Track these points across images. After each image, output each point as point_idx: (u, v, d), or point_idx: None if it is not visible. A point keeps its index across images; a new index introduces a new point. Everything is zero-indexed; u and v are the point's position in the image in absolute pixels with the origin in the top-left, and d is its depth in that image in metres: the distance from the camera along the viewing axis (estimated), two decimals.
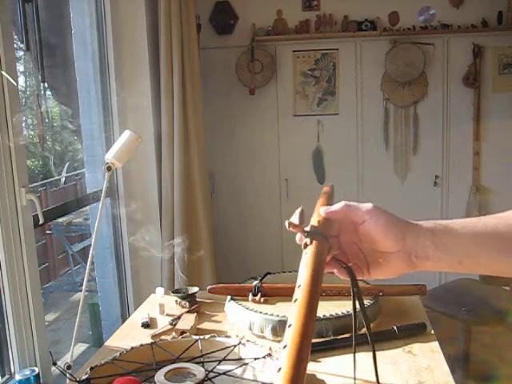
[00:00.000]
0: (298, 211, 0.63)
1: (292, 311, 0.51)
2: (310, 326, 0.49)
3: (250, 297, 1.51)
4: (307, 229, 0.61)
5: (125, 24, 2.65)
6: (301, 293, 0.53)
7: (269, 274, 1.65)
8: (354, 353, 0.62)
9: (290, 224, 0.61)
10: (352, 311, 0.62)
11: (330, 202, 0.69)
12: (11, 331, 1.76)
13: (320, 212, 0.64)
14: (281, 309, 1.43)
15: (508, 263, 0.62)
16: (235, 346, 1.24)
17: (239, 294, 1.54)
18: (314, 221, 0.63)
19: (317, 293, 0.53)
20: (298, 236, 0.62)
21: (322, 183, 3.54)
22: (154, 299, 1.68)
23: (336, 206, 0.64)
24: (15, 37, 1.99)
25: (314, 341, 1.31)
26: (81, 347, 3.41)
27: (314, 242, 0.59)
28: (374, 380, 1.18)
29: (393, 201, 3.30)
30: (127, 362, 1.19)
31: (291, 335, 0.48)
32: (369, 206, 0.63)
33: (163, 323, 1.52)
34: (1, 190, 1.72)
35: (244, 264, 3.54)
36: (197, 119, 2.79)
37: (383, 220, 0.61)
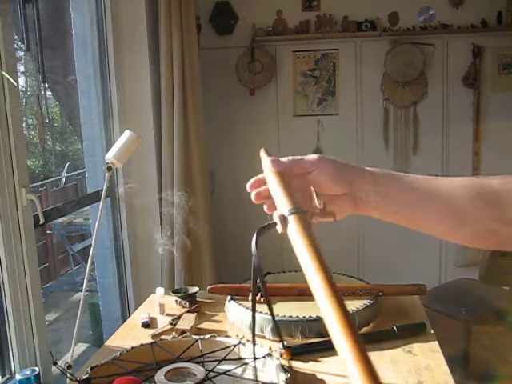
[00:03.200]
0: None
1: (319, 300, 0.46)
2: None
3: (250, 297, 1.51)
4: (287, 208, 0.59)
5: (125, 24, 2.65)
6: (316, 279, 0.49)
7: (269, 273, 1.66)
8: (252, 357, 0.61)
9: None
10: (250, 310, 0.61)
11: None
12: (12, 331, 1.76)
13: (269, 165, 0.66)
14: (281, 309, 1.43)
15: (443, 226, 0.65)
16: (235, 345, 1.25)
17: (239, 294, 1.54)
18: (271, 178, 0.64)
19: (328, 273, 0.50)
20: (266, 207, 0.66)
21: None
22: (154, 299, 1.69)
23: (283, 159, 0.66)
24: (16, 37, 2.00)
25: (313, 341, 1.32)
26: (81, 347, 3.41)
27: (296, 219, 0.57)
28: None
29: None
30: (127, 362, 1.19)
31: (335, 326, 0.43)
32: (314, 156, 0.66)
33: (163, 323, 1.52)
34: (1, 189, 1.73)
35: (244, 264, 3.54)
36: (197, 119, 2.79)
37: (330, 168, 0.65)
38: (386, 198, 0.64)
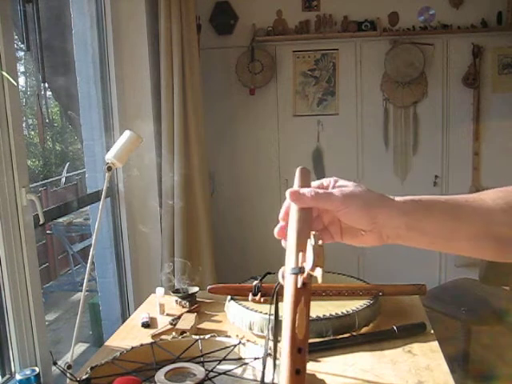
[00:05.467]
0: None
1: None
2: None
3: (250, 297, 1.51)
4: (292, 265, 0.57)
5: (125, 24, 2.65)
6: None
7: (269, 273, 1.65)
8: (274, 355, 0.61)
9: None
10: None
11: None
12: (12, 331, 1.76)
13: (287, 197, 0.62)
14: (281, 309, 1.43)
15: (479, 249, 0.64)
16: (235, 345, 1.25)
17: (239, 294, 1.54)
18: (292, 214, 0.61)
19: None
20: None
21: None
22: (154, 299, 1.69)
23: (307, 192, 0.61)
24: (16, 37, 2.00)
25: (313, 341, 1.32)
26: (81, 347, 3.41)
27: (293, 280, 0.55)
28: (375, 380, 1.19)
29: None
30: (127, 362, 1.19)
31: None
32: (338, 194, 0.61)
33: (163, 323, 1.52)
34: (1, 189, 1.73)
35: (244, 264, 3.54)
36: (197, 119, 2.79)
37: (357, 207, 0.61)
38: (420, 233, 0.62)
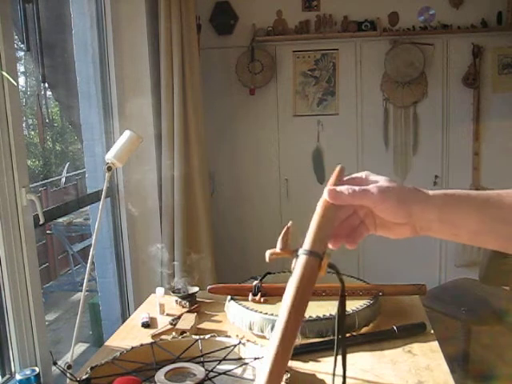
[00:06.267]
0: (281, 234, 0.60)
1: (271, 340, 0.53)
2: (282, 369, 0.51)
3: (250, 297, 1.51)
4: (305, 247, 0.58)
5: (125, 24, 2.65)
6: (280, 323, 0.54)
7: (269, 273, 1.66)
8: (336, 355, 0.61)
9: (272, 254, 0.59)
10: (337, 314, 0.61)
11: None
12: (12, 331, 1.76)
13: (325, 195, 0.62)
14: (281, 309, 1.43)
15: (507, 244, 0.64)
16: (235, 345, 1.25)
17: (239, 294, 1.54)
18: (322, 207, 0.61)
19: (296, 326, 0.54)
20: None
21: (322, 183, 3.54)
22: (154, 299, 1.69)
23: (343, 189, 0.61)
24: (16, 37, 2.00)
25: (313, 341, 1.32)
26: (81, 347, 3.41)
27: (303, 262, 0.56)
28: (375, 380, 1.18)
29: None
30: (127, 362, 1.19)
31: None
32: (374, 191, 0.62)
33: (163, 323, 1.52)
34: (1, 189, 1.73)
35: (244, 264, 3.54)
36: (197, 119, 2.79)
37: (390, 204, 0.62)
38: (451, 226, 0.63)
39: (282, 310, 0.55)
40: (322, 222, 0.59)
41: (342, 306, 0.60)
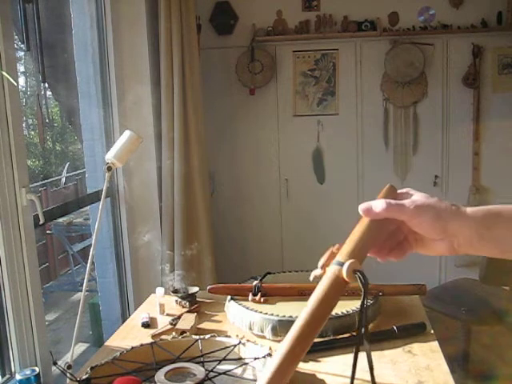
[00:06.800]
0: (324, 256, 0.60)
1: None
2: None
3: (250, 297, 1.51)
4: (337, 258, 0.57)
5: (125, 24, 2.65)
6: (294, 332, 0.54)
7: (269, 273, 1.66)
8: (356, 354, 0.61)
9: (314, 278, 0.59)
10: (360, 311, 0.60)
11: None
12: (12, 331, 1.76)
13: (362, 213, 0.62)
14: (281, 309, 1.43)
15: None
16: (235, 345, 1.25)
17: (239, 294, 1.54)
18: (361, 222, 0.62)
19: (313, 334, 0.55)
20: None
21: (322, 183, 3.54)
22: (154, 299, 1.69)
23: (380, 205, 0.61)
24: (16, 37, 2.00)
25: (313, 341, 1.32)
26: (81, 347, 3.41)
27: (331, 274, 0.56)
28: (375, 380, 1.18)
29: None
30: (127, 362, 1.19)
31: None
32: (410, 205, 0.61)
33: (163, 323, 1.52)
34: (1, 189, 1.73)
35: (244, 264, 3.54)
36: (197, 119, 2.79)
37: (429, 218, 0.61)
38: (496, 242, 0.63)
39: (301, 313, 0.55)
40: (357, 236, 0.59)
41: (363, 316, 0.59)
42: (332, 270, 0.55)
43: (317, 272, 0.59)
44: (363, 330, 0.55)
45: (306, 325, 0.54)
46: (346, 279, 0.55)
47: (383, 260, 0.64)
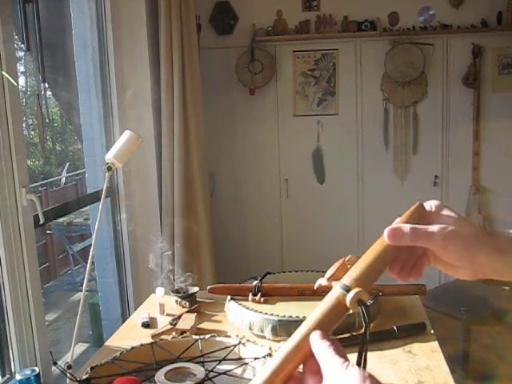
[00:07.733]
0: (335, 264, 0.57)
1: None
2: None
3: (250, 297, 1.51)
4: (343, 281, 0.54)
5: (125, 24, 2.65)
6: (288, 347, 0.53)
7: (269, 273, 1.66)
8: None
9: (318, 286, 0.57)
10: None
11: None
12: (12, 331, 1.76)
13: (385, 235, 0.58)
14: (281, 309, 1.43)
15: None
16: (235, 345, 1.25)
17: (239, 294, 1.54)
18: (380, 243, 0.58)
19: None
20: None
21: (322, 183, 3.54)
22: (154, 299, 1.69)
23: (407, 229, 0.58)
24: (16, 37, 2.00)
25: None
26: (81, 347, 3.41)
27: (334, 297, 0.53)
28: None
29: (392, 201, 3.30)
30: (127, 362, 1.19)
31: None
32: (439, 235, 0.58)
33: (163, 323, 1.52)
34: (1, 189, 1.73)
35: (244, 264, 3.54)
36: (197, 119, 2.79)
37: (453, 249, 0.59)
38: None
39: (299, 328, 0.52)
40: (371, 259, 0.56)
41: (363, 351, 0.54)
42: (336, 293, 0.53)
43: (323, 281, 0.57)
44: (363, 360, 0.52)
45: (298, 349, 0.53)
46: (349, 307, 0.52)
47: (404, 281, 0.62)
